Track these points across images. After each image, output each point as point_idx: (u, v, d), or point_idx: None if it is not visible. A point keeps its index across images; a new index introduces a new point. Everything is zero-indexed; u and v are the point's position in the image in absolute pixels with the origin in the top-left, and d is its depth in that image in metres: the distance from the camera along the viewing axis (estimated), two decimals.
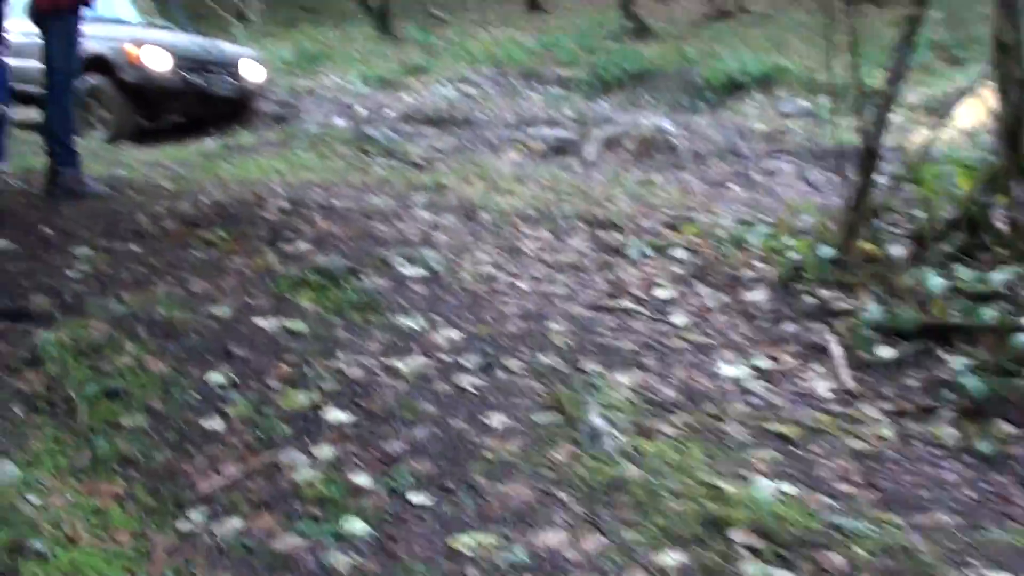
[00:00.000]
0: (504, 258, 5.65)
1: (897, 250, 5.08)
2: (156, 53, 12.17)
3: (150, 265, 4.93)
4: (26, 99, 13.52)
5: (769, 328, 4.56)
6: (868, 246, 4.97)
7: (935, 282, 4.49)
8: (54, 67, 6.54)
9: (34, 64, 13.26)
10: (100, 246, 5.25)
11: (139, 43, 12.21)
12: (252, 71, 13.50)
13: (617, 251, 5.81)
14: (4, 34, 8.32)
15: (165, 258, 5.09)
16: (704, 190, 8.24)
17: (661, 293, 5.05)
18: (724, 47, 16.34)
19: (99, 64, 12.15)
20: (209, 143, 10.54)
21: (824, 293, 4.80)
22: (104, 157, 9.95)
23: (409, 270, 5.11)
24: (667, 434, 3.33)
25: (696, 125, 11.74)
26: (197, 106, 12.73)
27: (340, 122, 12.89)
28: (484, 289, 5.01)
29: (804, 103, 12.35)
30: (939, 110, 11.34)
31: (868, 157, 5.06)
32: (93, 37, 12.34)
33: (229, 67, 13.10)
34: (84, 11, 6.63)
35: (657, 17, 19.90)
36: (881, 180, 5.43)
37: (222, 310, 4.24)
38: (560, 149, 11.50)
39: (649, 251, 5.75)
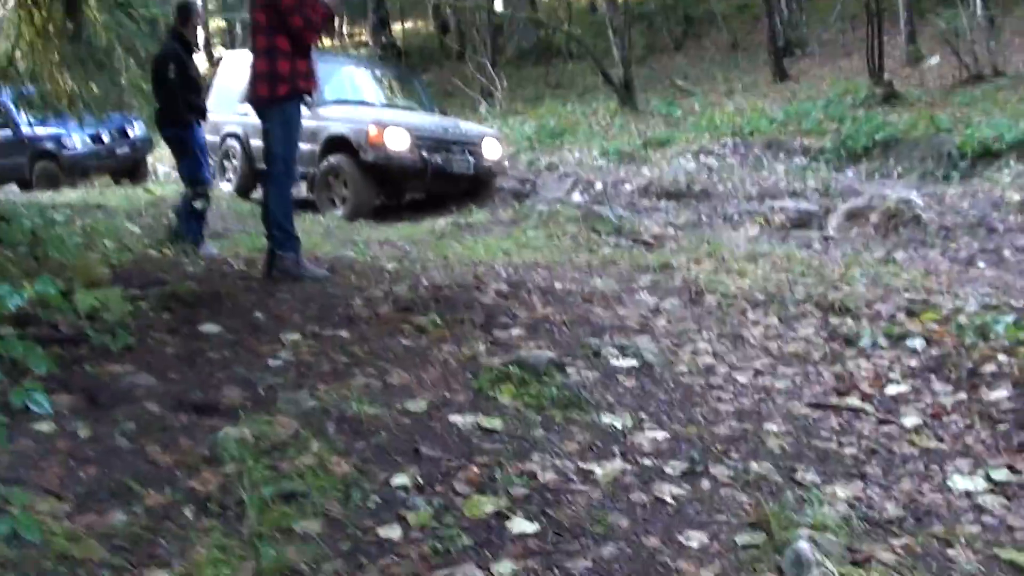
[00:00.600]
0: (725, 347, 5.36)
1: None
2: (396, 133, 12.45)
3: (353, 354, 4.86)
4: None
5: (1010, 433, 4.11)
6: None
7: None
8: (274, 152, 6.64)
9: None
10: (309, 332, 5.24)
11: (380, 124, 12.54)
12: (492, 150, 13.66)
13: (848, 340, 5.43)
14: (202, 105, 8.59)
15: (371, 346, 5.02)
16: (949, 269, 7.71)
17: (893, 389, 4.66)
18: (978, 113, 15.52)
19: (340, 144, 12.48)
20: (441, 222, 10.60)
21: None
22: (338, 235, 10.16)
23: (620, 361, 4.89)
24: (884, 562, 2.96)
25: (946, 196, 11.17)
26: (436, 184, 12.98)
27: (577, 197, 12.86)
28: (699, 383, 4.73)
29: None
30: None
31: None
32: (336, 118, 12.71)
33: (469, 146, 13.30)
34: (307, 97, 6.74)
35: (908, 83, 19.17)
36: None
37: (418, 405, 4.10)
38: (801, 222, 11.15)
39: (883, 340, 5.34)
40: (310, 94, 6.80)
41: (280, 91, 6.53)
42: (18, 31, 10.63)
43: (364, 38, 35.68)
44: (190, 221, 8.39)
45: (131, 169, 19.58)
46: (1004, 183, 12.07)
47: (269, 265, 6.75)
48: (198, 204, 8.08)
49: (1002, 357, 4.84)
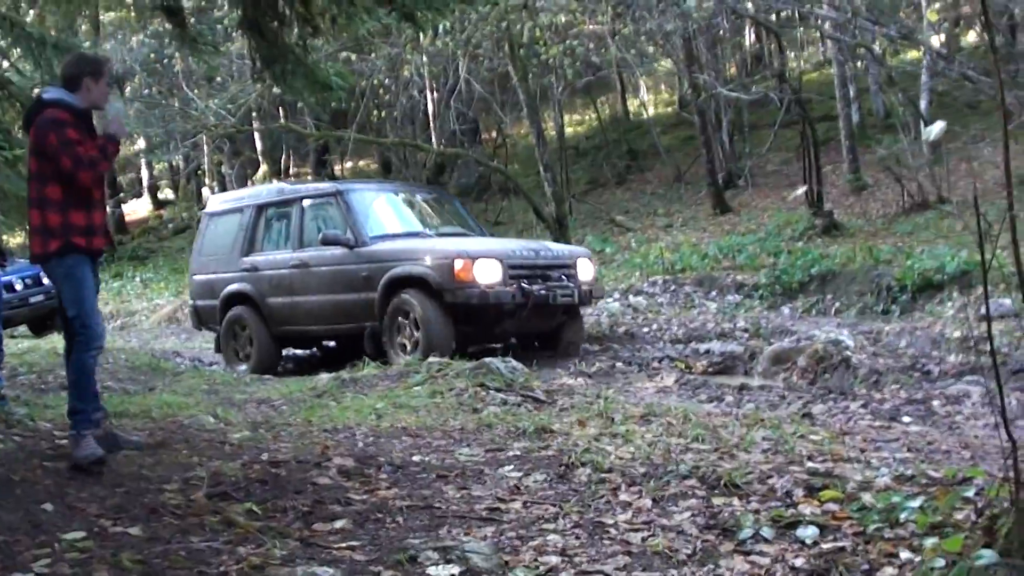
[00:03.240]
0: (580, 540, 4.39)
1: None
2: (487, 266, 10.86)
3: (119, 564, 3.91)
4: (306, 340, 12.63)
5: None
6: None
7: None
8: (67, 315, 5.75)
9: (306, 299, 12.13)
10: (97, 528, 4.36)
11: (467, 256, 10.90)
12: (587, 270, 11.93)
13: (727, 530, 4.45)
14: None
15: (153, 549, 4.11)
16: (868, 427, 6.77)
17: None
18: (920, 243, 14.87)
19: (408, 284, 11.00)
20: (325, 376, 9.53)
21: None
22: (222, 392, 9.28)
23: (439, 569, 3.92)
24: None
25: (882, 334, 10.38)
26: (535, 320, 11.34)
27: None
28: None
29: (1009, 303, 10.62)
30: None
31: None
32: (395, 258, 11.22)
33: (566, 270, 11.59)
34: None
35: (850, 213, 18.57)
36: None
37: None
38: (725, 368, 10.36)
39: (767, 531, 4.35)
40: (99, 253, 5.89)
41: (51, 247, 5.64)
42: None
43: (307, 175, 35.08)
44: None
45: (47, 319, 18.70)
46: (946, 316, 11.28)
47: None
48: None
49: (904, 553, 3.88)
